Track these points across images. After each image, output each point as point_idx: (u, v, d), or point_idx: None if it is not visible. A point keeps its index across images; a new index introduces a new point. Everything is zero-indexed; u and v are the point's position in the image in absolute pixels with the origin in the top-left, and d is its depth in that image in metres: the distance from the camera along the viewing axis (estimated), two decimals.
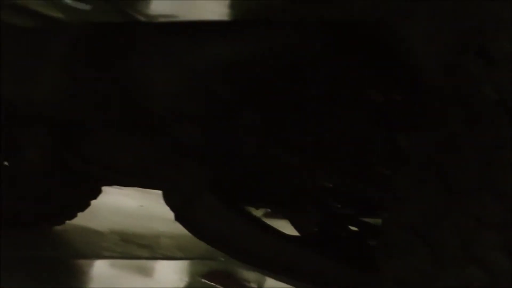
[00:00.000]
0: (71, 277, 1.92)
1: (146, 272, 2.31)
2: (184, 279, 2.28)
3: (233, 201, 1.27)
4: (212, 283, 2.18)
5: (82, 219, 2.59)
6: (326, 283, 1.30)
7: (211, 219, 1.26)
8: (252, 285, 2.38)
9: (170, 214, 3.78)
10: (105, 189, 2.53)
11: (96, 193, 2.51)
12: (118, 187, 4.36)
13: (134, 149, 1.40)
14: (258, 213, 2.28)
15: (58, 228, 2.48)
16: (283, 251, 1.27)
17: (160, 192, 4.00)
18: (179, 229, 3.32)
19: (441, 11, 0.79)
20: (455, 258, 0.87)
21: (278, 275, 1.35)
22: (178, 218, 1.32)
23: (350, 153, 1.40)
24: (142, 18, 0.66)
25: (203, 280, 2.24)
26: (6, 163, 2.31)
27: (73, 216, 2.50)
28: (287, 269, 1.30)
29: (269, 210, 2.40)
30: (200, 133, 1.24)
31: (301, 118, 1.28)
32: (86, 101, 1.12)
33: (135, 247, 2.51)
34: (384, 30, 0.92)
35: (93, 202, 2.51)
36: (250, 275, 2.47)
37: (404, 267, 0.89)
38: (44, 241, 2.29)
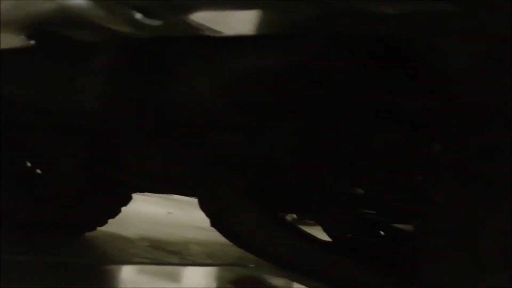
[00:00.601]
0: (102, 283, 1.94)
1: (176, 278, 2.33)
2: (213, 285, 2.29)
3: (267, 207, 1.29)
4: None
5: (112, 226, 2.63)
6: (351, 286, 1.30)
7: (247, 225, 1.28)
8: None
9: (198, 222, 3.82)
10: (134, 196, 2.57)
11: (127, 200, 2.55)
12: (146, 195, 4.43)
13: (171, 158, 1.42)
14: (287, 218, 2.30)
15: (89, 234, 2.52)
16: (317, 256, 1.28)
17: (186, 199, 4.04)
18: (207, 236, 3.36)
19: (474, 21, 0.80)
20: (495, 261, 0.87)
21: (311, 280, 1.35)
22: (214, 224, 1.33)
23: (383, 160, 1.41)
24: (210, 33, 0.68)
25: (232, 286, 2.25)
26: (39, 171, 2.35)
27: (104, 223, 2.54)
28: (320, 274, 1.30)
29: (299, 216, 2.42)
30: (237, 142, 1.26)
31: (334, 126, 1.30)
32: (126, 112, 1.14)
33: (165, 254, 2.54)
34: (417, 42, 0.93)
35: (122, 209, 2.55)
36: (278, 282, 2.48)
37: (443, 272, 0.89)
38: (76, 248, 2.33)
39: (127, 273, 2.17)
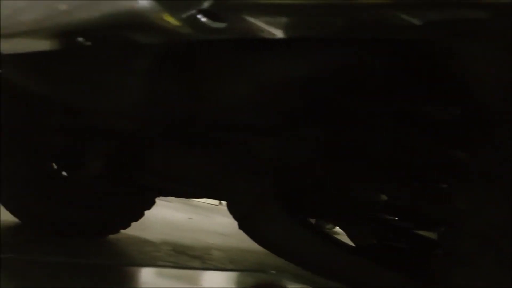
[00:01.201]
0: (125, 284, 1.97)
1: (197, 283, 2.35)
2: None
3: (294, 211, 1.31)
4: None
5: (135, 229, 2.66)
6: None
7: (275, 228, 1.30)
8: None
9: (219, 228, 3.84)
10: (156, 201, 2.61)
11: (150, 203, 2.59)
12: (168, 200, 4.47)
13: (200, 160, 1.44)
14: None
15: (113, 237, 2.56)
16: (344, 260, 1.29)
17: (207, 206, 4.05)
18: (228, 242, 3.38)
19: (504, 27, 0.81)
20: None
21: (336, 283, 1.36)
22: (242, 227, 1.35)
23: (408, 167, 1.42)
24: (268, 36, 0.70)
25: None
26: (64, 173, 2.39)
27: (128, 225, 2.58)
28: (347, 278, 1.32)
29: (323, 221, 2.43)
30: (267, 146, 1.28)
31: (361, 133, 1.31)
32: (160, 115, 1.17)
33: (187, 258, 2.56)
34: (445, 49, 0.95)
35: (145, 214, 2.59)
36: None
37: (473, 275, 0.91)
38: (101, 250, 2.35)
39: (149, 275, 2.19)
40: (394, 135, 1.33)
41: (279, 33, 0.70)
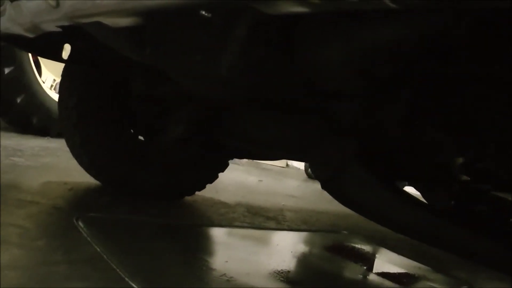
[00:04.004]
0: (204, 244, 2.03)
1: (273, 243, 2.39)
2: (310, 250, 2.35)
3: (376, 172, 1.33)
4: (337, 255, 2.24)
5: (210, 192, 2.74)
6: (467, 253, 1.32)
7: (358, 189, 1.32)
8: (371, 256, 2.42)
9: (289, 190, 3.89)
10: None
11: (224, 166, 2.66)
12: (238, 163, 4.54)
13: (284, 124, 1.47)
14: None
15: (189, 199, 2.65)
16: (424, 219, 1.31)
17: (276, 169, 4.09)
18: (299, 203, 3.43)
19: None
20: None
21: (420, 242, 1.38)
22: (326, 187, 1.38)
23: (487, 129, 1.41)
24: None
25: (326, 252, 2.30)
26: (141, 138, 2.46)
27: (203, 187, 2.66)
28: (427, 237, 1.33)
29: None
30: (355, 111, 1.31)
31: (443, 97, 1.32)
32: (249, 81, 1.20)
33: (262, 219, 2.62)
34: None
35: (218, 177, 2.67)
36: (370, 249, 2.52)
37: None
38: (178, 211, 2.44)
39: (226, 236, 2.25)
40: (475, 98, 1.33)
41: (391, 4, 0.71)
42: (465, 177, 1.71)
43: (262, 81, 1.18)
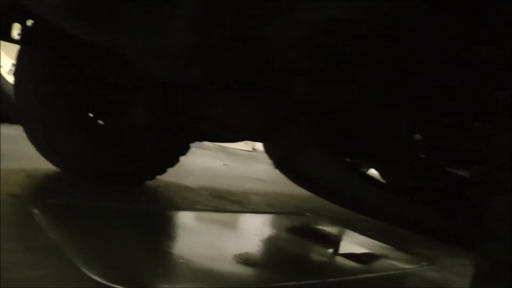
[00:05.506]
0: (167, 228, 2.02)
1: (236, 226, 2.39)
2: (274, 232, 2.35)
3: (333, 151, 1.32)
4: (299, 237, 2.24)
5: (173, 176, 2.71)
6: (427, 229, 1.33)
7: (314, 168, 1.31)
8: (334, 238, 2.43)
9: (255, 173, 3.87)
10: (192, 150, 2.64)
11: (185, 149, 2.61)
12: (203, 147, 4.51)
13: (240, 104, 1.45)
14: None
15: (152, 183, 2.61)
16: (382, 197, 1.31)
17: (241, 153, 4.07)
18: (265, 187, 3.42)
19: None
20: None
21: (377, 219, 1.38)
22: (279, 166, 1.37)
23: (445, 106, 1.42)
24: None
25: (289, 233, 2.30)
26: (101, 122, 2.42)
27: (164, 171, 2.62)
28: (385, 215, 1.33)
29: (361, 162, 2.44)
30: (311, 87, 1.29)
31: (401, 74, 1.31)
32: (204, 61, 1.17)
33: (226, 202, 2.61)
34: None
35: (181, 161, 2.64)
36: (333, 230, 2.53)
37: (506, 205, 0.91)
38: (141, 196, 2.42)
39: (189, 219, 2.24)
40: (434, 75, 1.33)
41: None
42: (423, 155, 1.73)
43: (215, 61, 1.16)
